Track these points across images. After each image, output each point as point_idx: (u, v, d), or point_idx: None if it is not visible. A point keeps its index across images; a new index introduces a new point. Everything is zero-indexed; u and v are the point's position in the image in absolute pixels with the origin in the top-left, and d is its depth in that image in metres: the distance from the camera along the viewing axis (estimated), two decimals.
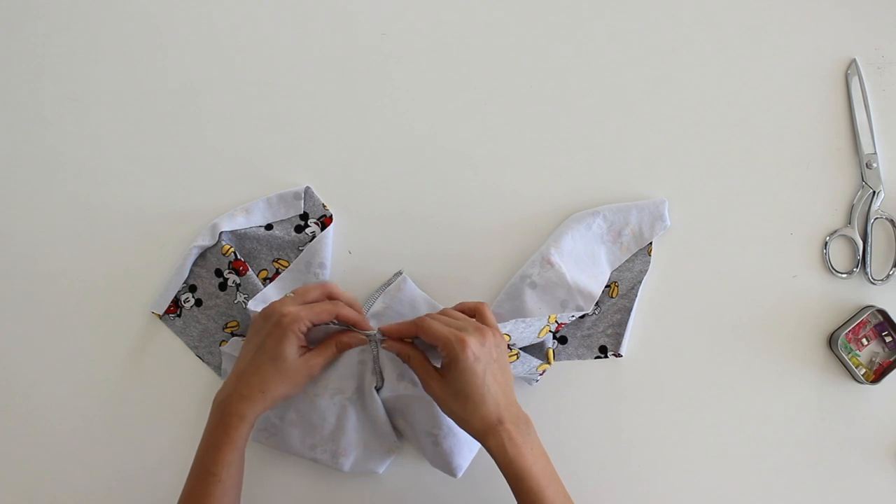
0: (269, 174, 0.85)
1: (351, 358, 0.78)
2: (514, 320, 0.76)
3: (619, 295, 0.83)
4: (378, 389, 0.78)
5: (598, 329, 0.83)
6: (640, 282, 0.83)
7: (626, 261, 0.83)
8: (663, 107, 0.86)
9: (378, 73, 0.86)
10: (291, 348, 0.72)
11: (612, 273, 0.83)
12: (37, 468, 0.83)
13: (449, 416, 0.72)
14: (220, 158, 0.86)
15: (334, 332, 0.76)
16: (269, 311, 0.73)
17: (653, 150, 0.85)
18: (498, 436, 0.70)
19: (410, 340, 0.75)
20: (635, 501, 0.82)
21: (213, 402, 0.73)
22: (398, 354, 0.75)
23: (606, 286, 0.83)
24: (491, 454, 0.70)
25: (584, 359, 0.83)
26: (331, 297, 0.76)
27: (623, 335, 0.83)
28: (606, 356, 0.83)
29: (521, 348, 0.80)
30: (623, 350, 0.83)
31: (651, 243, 0.83)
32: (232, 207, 0.84)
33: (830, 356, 0.84)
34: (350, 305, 0.76)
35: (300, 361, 0.73)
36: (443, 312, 0.75)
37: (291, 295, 0.75)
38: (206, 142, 0.86)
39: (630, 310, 0.83)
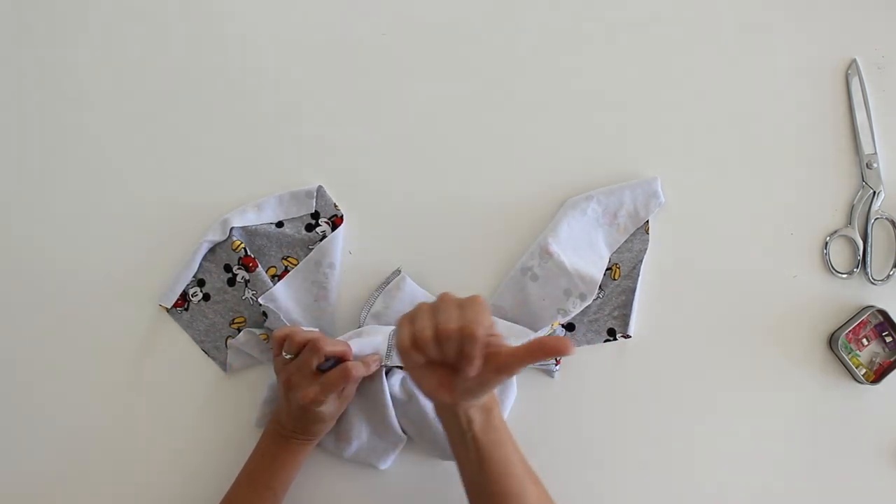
0: (275, 172, 0.86)
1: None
2: (521, 336, 0.79)
3: (621, 276, 0.84)
4: (387, 372, 0.79)
5: (605, 312, 0.84)
6: (641, 261, 0.84)
7: (625, 241, 0.84)
8: (663, 107, 0.86)
9: (377, 71, 0.87)
10: (327, 412, 0.76)
11: (611, 255, 0.84)
12: (41, 460, 0.84)
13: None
14: (232, 155, 0.87)
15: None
16: (289, 390, 0.74)
17: (652, 151, 0.86)
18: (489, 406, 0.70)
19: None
20: (637, 493, 0.83)
21: (273, 429, 0.78)
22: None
23: (608, 269, 0.84)
24: (485, 414, 0.70)
25: (593, 343, 0.84)
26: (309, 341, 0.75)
27: (629, 316, 0.83)
28: (615, 339, 0.84)
29: None
30: (631, 331, 0.83)
31: (648, 221, 0.84)
32: (243, 204, 0.85)
33: (830, 356, 0.84)
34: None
35: (338, 403, 0.77)
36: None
37: (286, 356, 0.74)
38: (218, 138, 0.87)
39: (634, 290, 0.83)
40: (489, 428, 0.70)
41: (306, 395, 0.73)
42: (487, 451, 0.70)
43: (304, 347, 0.74)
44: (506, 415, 0.82)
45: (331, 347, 0.74)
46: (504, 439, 0.70)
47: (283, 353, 0.75)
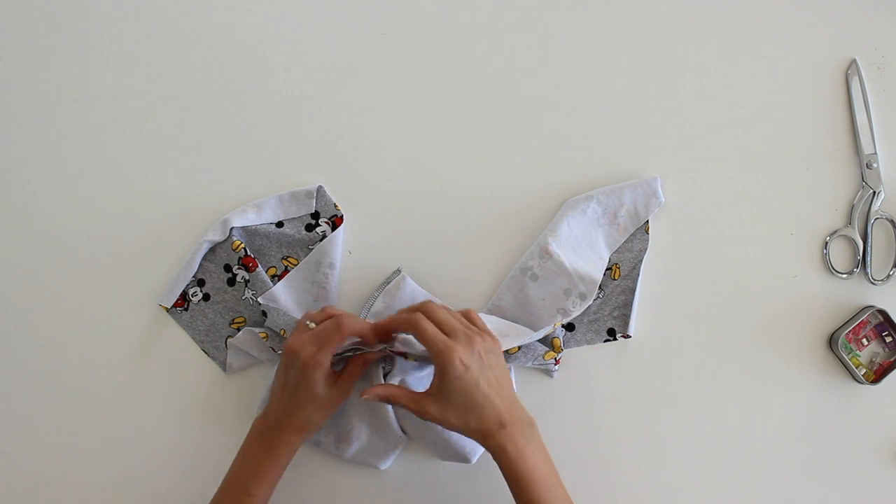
0: (275, 172, 0.86)
1: None
2: (522, 336, 0.79)
3: (621, 276, 0.84)
4: (386, 375, 0.79)
5: (605, 312, 0.84)
6: (641, 261, 0.84)
7: (625, 241, 0.84)
8: (663, 107, 0.86)
9: (377, 71, 0.87)
10: (322, 387, 0.74)
11: (612, 255, 0.84)
12: (41, 459, 0.85)
13: (451, 429, 0.73)
14: (232, 155, 0.87)
15: (359, 355, 0.78)
16: (291, 356, 0.74)
17: (652, 151, 0.86)
18: (499, 438, 0.71)
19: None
20: (637, 492, 0.83)
21: (257, 428, 0.77)
22: (382, 400, 0.75)
23: (608, 269, 0.84)
24: (494, 458, 0.72)
25: (593, 343, 0.84)
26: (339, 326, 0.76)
27: (629, 316, 0.83)
28: (615, 339, 0.84)
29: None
30: (631, 331, 0.84)
31: (648, 221, 0.84)
32: (243, 204, 0.85)
33: (830, 356, 0.84)
34: (359, 334, 0.76)
35: (334, 391, 0.76)
36: (433, 314, 0.74)
37: (309, 325, 0.75)
38: (218, 139, 0.87)
39: (634, 290, 0.83)
40: (501, 464, 0.71)
41: (306, 353, 0.73)
42: (508, 482, 0.72)
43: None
44: None
45: (355, 325, 0.75)
46: (518, 484, 0.71)
47: (307, 322, 0.75)
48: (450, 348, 0.70)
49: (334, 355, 0.75)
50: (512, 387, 0.75)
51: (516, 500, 0.71)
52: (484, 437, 0.71)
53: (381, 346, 0.77)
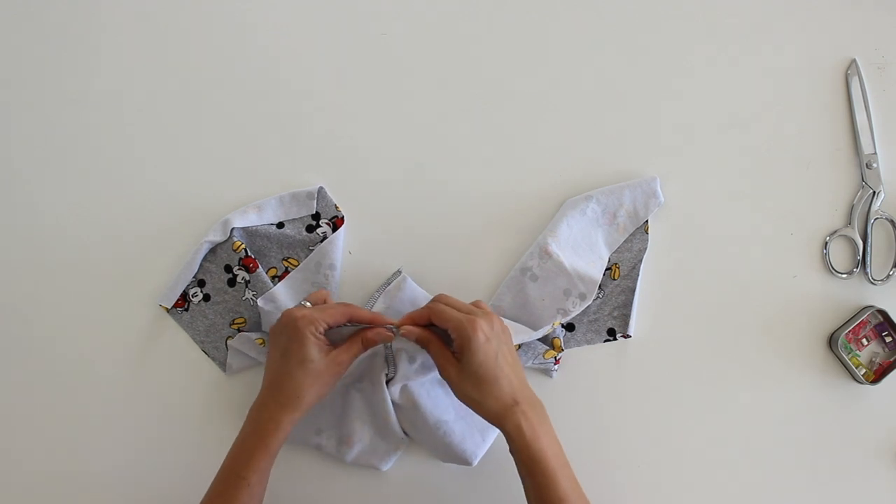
0: (276, 173, 0.87)
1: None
2: (523, 334, 0.79)
3: (621, 276, 0.84)
4: (388, 381, 0.80)
5: (605, 312, 0.84)
6: (641, 260, 0.84)
7: (625, 241, 0.84)
8: (663, 107, 0.86)
9: (377, 71, 0.88)
10: (313, 349, 0.73)
11: (611, 255, 0.84)
12: (41, 459, 0.85)
13: (465, 402, 0.73)
14: (232, 156, 0.87)
15: (359, 330, 0.76)
16: (286, 318, 0.74)
17: (651, 151, 0.86)
18: (515, 416, 0.71)
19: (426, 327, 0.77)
20: (637, 492, 0.83)
21: (251, 411, 0.75)
22: (417, 340, 0.76)
23: (608, 269, 0.84)
24: (507, 437, 0.71)
25: (593, 343, 0.84)
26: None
27: (629, 316, 0.83)
28: (615, 339, 0.84)
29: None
30: (631, 331, 0.84)
31: (647, 221, 0.84)
32: (244, 204, 0.85)
33: (830, 356, 0.84)
34: (370, 320, 0.77)
35: (327, 360, 0.74)
36: (448, 300, 0.76)
37: (306, 303, 0.76)
38: (219, 139, 0.87)
39: (633, 290, 0.83)
40: (515, 444, 0.71)
41: (302, 312, 0.74)
42: (520, 463, 0.72)
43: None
44: None
45: (361, 313, 0.76)
46: (533, 465, 0.70)
47: (303, 302, 0.77)
48: (472, 320, 0.72)
49: (334, 327, 0.75)
50: (522, 368, 0.75)
51: (528, 482, 0.71)
52: (499, 416, 0.71)
53: (390, 325, 0.76)
